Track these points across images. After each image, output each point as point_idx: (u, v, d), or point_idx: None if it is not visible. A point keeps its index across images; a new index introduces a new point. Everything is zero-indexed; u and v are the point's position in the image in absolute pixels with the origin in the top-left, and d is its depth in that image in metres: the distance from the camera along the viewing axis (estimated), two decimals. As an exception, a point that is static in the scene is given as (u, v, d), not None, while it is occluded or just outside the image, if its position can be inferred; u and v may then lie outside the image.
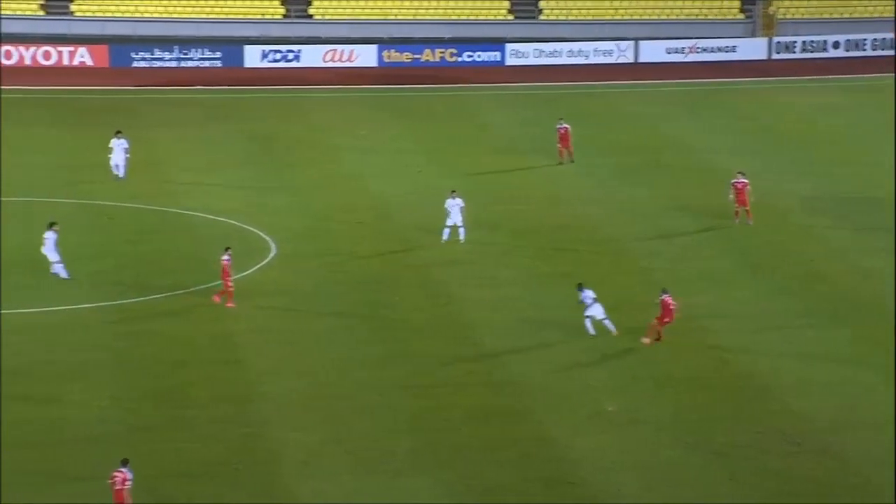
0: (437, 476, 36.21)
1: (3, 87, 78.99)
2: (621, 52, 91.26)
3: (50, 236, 49.39)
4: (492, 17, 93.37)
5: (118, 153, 61.46)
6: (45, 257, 49.50)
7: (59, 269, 49.23)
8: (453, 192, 54.59)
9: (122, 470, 33.53)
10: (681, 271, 51.33)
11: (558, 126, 66.49)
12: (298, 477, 36.06)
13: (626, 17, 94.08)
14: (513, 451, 37.62)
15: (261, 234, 55.00)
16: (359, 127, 73.36)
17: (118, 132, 62.49)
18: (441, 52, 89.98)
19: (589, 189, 62.43)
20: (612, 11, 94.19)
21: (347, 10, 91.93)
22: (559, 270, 50.96)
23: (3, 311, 46.06)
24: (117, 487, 33.36)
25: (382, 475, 36.24)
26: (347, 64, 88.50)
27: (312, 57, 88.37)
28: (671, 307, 44.06)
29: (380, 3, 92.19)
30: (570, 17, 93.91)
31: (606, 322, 44.79)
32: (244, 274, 49.54)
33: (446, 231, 54.04)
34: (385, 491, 35.54)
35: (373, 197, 60.82)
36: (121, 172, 61.38)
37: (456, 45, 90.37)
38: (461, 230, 53.90)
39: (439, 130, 73.67)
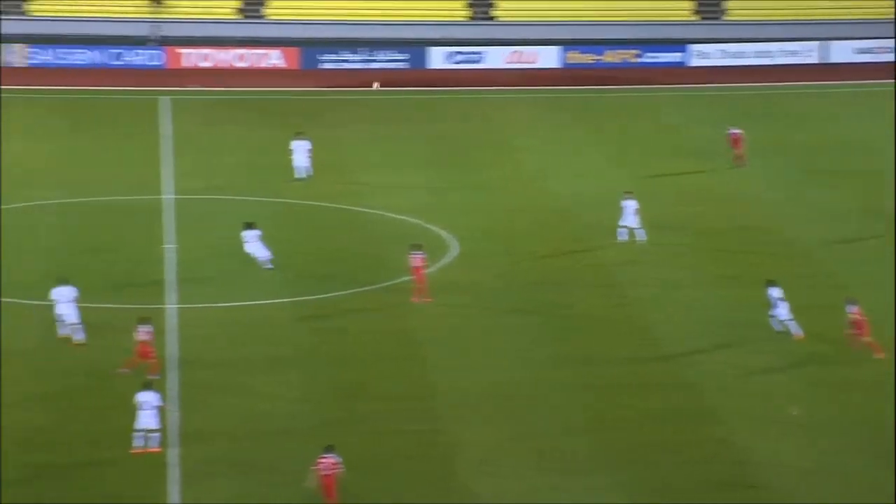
0: (614, 476, 35.84)
1: (202, 88, 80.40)
2: (807, 53, 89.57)
3: (250, 235, 50.02)
4: (676, 19, 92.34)
5: (300, 154, 61.95)
6: (248, 255, 50.07)
7: (267, 263, 49.85)
8: (628, 192, 54.06)
9: (328, 456, 33.74)
10: (866, 275, 50.05)
11: (730, 131, 65.42)
12: (476, 474, 35.95)
13: (812, 17, 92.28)
14: (692, 453, 37.08)
15: (442, 232, 55.03)
16: (538, 128, 73.08)
17: (298, 133, 63.02)
18: (623, 54, 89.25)
19: (771, 191, 61.35)
20: (798, 11, 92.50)
21: (531, 12, 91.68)
22: (739, 272, 50.17)
23: (203, 306, 46.71)
24: (324, 473, 33.60)
25: (560, 474, 35.95)
26: (530, 65, 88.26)
27: (496, 58, 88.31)
28: (860, 320, 42.65)
29: (563, 5, 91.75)
30: (756, 18, 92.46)
31: (791, 323, 43.88)
32: (427, 273, 49.55)
33: (622, 231, 53.54)
34: (563, 490, 35.25)
35: (552, 197, 60.51)
36: (303, 173, 61.82)
37: (639, 46, 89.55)
38: (637, 231, 53.29)
39: (620, 131, 73.03)
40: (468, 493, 35.13)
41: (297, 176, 61.82)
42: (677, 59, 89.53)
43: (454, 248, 53.36)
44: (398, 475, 35.80)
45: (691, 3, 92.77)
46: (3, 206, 56.98)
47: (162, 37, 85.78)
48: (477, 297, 48.37)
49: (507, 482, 35.53)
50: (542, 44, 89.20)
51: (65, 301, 43.32)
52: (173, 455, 36.42)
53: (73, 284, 43.90)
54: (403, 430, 38.27)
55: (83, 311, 44.22)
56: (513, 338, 44.84)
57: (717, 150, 67.06)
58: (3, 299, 46.58)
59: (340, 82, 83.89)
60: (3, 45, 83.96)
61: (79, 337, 43.29)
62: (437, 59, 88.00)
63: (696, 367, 42.51)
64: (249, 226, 50.67)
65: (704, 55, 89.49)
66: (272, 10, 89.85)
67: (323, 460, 33.91)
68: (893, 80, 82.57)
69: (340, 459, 33.97)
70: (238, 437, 37.74)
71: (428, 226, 55.88)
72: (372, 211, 58.29)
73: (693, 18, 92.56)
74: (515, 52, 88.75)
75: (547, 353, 43.61)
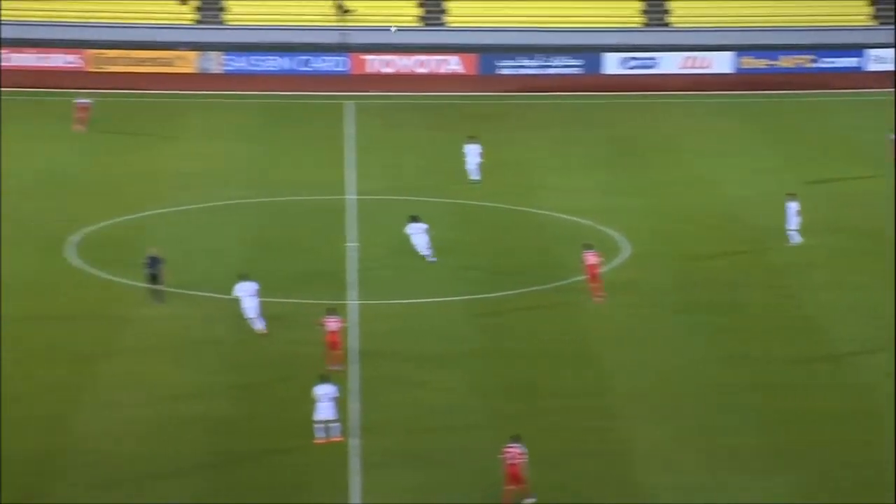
0: (787, 476, 35.44)
1: (385, 92, 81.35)
2: None
3: (416, 227, 50.82)
4: (852, 23, 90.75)
5: (472, 157, 62.51)
6: (415, 251, 50.73)
7: (429, 256, 50.60)
8: (790, 194, 53.49)
9: (514, 446, 34.03)
10: None
11: (889, 136, 64.14)
12: (647, 471, 35.87)
13: None
14: (867, 454, 36.51)
15: (614, 234, 54.98)
16: (712, 131, 72.53)
17: (471, 137, 63.48)
18: (798, 59, 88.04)
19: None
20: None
21: (705, 18, 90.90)
22: (910, 275, 49.30)
23: (382, 302, 47.38)
24: (510, 462, 33.89)
25: (732, 473, 35.67)
26: (704, 70, 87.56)
27: (670, 63, 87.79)
28: None
29: (737, 10, 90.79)
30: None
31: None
32: (599, 270, 49.57)
33: (792, 234, 53.00)
34: (734, 489, 34.96)
35: (723, 199, 60.04)
36: (474, 175, 62.33)
37: (814, 52, 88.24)
38: (793, 234, 52.73)
39: (792, 136, 72.10)
40: (639, 488, 35.06)
41: (470, 178, 62.36)
42: (853, 64, 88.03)
43: (626, 249, 53.27)
44: (574, 471, 35.78)
45: (868, 7, 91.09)
46: (200, 205, 58.47)
47: (352, 44, 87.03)
48: (648, 297, 48.22)
49: (680, 479, 35.32)
50: (716, 49, 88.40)
51: (246, 295, 44.49)
52: (354, 445, 36.93)
53: (254, 279, 44.84)
54: (578, 426, 38.30)
55: (271, 306, 45.18)
56: (683, 337, 44.59)
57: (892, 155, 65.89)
58: (198, 293, 47.84)
59: (517, 87, 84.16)
60: (201, 53, 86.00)
61: (259, 327, 44.33)
62: (612, 64, 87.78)
63: (866, 367, 41.85)
64: (415, 219, 51.43)
65: (882, 60, 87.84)
66: (452, 18, 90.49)
67: (509, 450, 34.14)
68: None
69: (526, 450, 34.16)
70: (415, 429, 38.13)
71: (600, 227, 55.85)
72: (546, 212, 58.41)
73: (870, 23, 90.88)
74: (689, 57, 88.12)
75: (717, 352, 43.30)
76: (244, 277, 44.99)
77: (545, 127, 74.20)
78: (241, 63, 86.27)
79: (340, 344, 41.88)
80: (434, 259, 50.88)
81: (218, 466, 36.06)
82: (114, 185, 61.42)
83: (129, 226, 55.62)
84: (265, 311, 44.74)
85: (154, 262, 46.83)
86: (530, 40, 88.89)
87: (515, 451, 34.06)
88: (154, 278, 46.72)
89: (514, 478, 33.90)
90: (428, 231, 51.21)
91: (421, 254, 51.05)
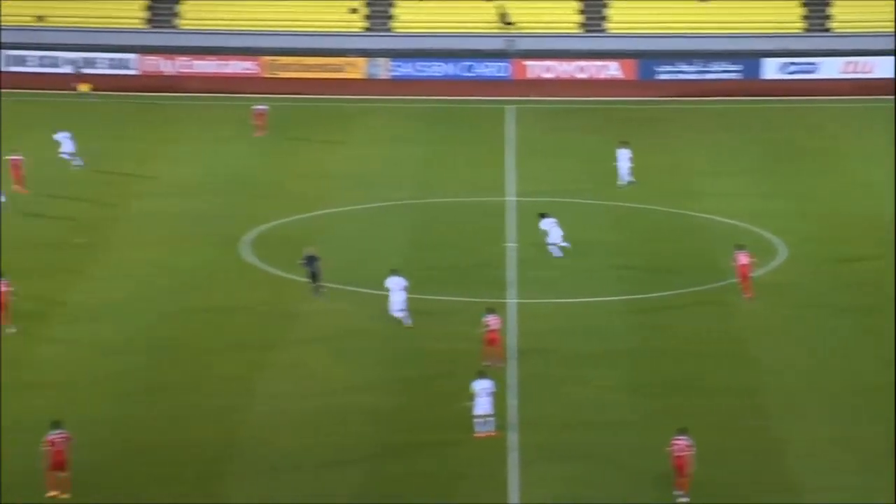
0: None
1: (544, 97, 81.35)
2: None
3: (548, 223, 51.38)
4: None
5: (623, 161, 62.10)
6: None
7: (556, 250, 50.94)
8: None
9: (682, 438, 33.80)
10: None
11: None
12: (803, 471, 35.27)
13: None
14: None
15: (771, 237, 54.25)
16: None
17: (622, 142, 63.06)
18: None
19: None
20: None
21: (867, 23, 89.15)
22: None
23: (540, 301, 47.32)
24: (677, 454, 33.69)
25: (887, 476, 34.85)
26: (865, 75, 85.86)
27: (830, 69, 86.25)
28: None
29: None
30: None
31: None
32: (755, 275, 48.93)
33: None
34: (890, 492, 34.16)
35: (881, 204, 58.80)
36: (625, 179, 61.90)
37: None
38: None
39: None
40: (792, 487, 34.46)
41: (623, 182, 61.90)
42: None
43: (783, 252, 52.53)
44: (728, 469, 35.28)
45: None
46: (366, 206, 59.08)
47: (516, 50, 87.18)
48: (804, 299, 47.47)
49: (835, 481, 34.71)
50: (877, 54, 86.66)
51: (396, 289, 44.87)
52: (512, 439, 36.93)
53: (404, 276, 45.16)
54: (733, 425, 37.80)
55: (431, 303, 45.50)
56: (839, 339, 43.81)
57: None
58: (362, 290, 48.30)
59: (675, 92, 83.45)
60: (370, 59, 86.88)
61: (407, 322, 44.65)
62: (771, 69, 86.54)
63: None
64: (544, 215, 51.92)
65: None
66: (613, 25, 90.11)
67: (677, 442, 33.87)
68: None
69: (693, 442, 33.85)
70: (572, 425, 37.98)
71: (757, 230, 55.15)
72: (703, 215, 57.87)
73: None
74: (850, 62, 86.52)
75: (871, 354, 42.46)
76: (394, 272, 45.39)
77: (703, 131, 73.46)
78: (407, 69, 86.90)
79: (499, 341, 41.95)
80: (561, 254, 50.80)
81: (380, 457, 36.31)
82: (287, 186, 62.38)
83: (298, 225, 56.43)
84: (423, 308, 45.01)
85: (311, 260, 47.56)
86: (689, 46, 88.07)
87: (683, 443, 33.77)
88: (313, 276, 47.42)
89: (681, 469, 33.57)
90: (559, 224, 51.40)
91: (558, 245, 51.20)
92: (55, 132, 64.66)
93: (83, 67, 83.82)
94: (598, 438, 37.19)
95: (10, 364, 41.72)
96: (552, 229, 51.70)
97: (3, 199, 56.42)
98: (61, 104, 77.92)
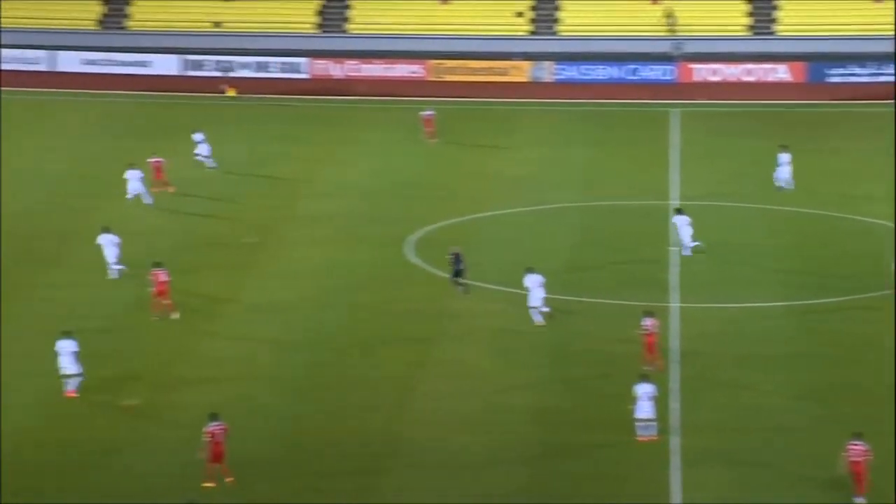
0: None
1: (710, 101, 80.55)
2: None
3: (681, 220, 51.40)
4: None
5: (782, 166, 60.99)
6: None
7: (687, 250, 51.06)
8: None
9: (857, 443, 33.41)
10: None
11: None
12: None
13: None
14: None
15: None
16: None
17: (782, 146, 61.95)
18: None
19: None
20: None
21: None
22: None
23: (703, 306, 46.90)
24: (853, 459, 33.31)
25: None
26: None
27: None
28: None
29: None
30: None
31: None
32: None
33: None
34: None
35: None
36: (783, 184, 60.84)
37: None
38: None
39: None
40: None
41: (783, 186, 60.83)
42: None
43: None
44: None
45: None
46: (528, 208, 59.18)
47: (682, 53, 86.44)
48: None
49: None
50: None
51: (534, 286, 45.00)
52: (674, 443, 36.68)
53: (540, 272, 45.32)
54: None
55: (595, 307, 45.50)
56: None
57: None
58: (521, 292, 48.29)
59: (847, 95, 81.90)
60: (534, 63, 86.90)
61: (537, 320, 44.65)
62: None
63: None
64: (679, 211, 52.00)
65: None
66: (782, 27, 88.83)
67: (853, 447, 33.38)
68: None
69: (870, 447, 33.28)
70: (734, 430, 37.59)
71: (928, 236, 53.91)
72: (871, 220, 56.76)
73: None
74: None
75: None
76: (530, 270, 45.49)
77: (874, 136, 71.97)
78: (571, 72, 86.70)
79: (656, 344, 41.64)
80: (690, 253, 50.38)
81: (541, 457, 36.33)
82: (451, 188, 62.73)
83: (461, 227, 56.71)
84: (582, 310, 45.03)
85: (457, 259, 47.87)
86: (862, 48, 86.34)
87: (859, 448, 33.26)
88: (458, 273, 47.68)
89: (858, 476, 33.09)
90: (691, 224, 51.08)
91: (685, 244, 50.97)
92: (193, 132, 65.68)
93: (231, 71, 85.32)
94: (762, 444, 36.73)
95: (179, 358, 42.64)
96: (683, 227, 51.47)
97: (150, 201, 57.80)
98: (206, 107, 79.04)
